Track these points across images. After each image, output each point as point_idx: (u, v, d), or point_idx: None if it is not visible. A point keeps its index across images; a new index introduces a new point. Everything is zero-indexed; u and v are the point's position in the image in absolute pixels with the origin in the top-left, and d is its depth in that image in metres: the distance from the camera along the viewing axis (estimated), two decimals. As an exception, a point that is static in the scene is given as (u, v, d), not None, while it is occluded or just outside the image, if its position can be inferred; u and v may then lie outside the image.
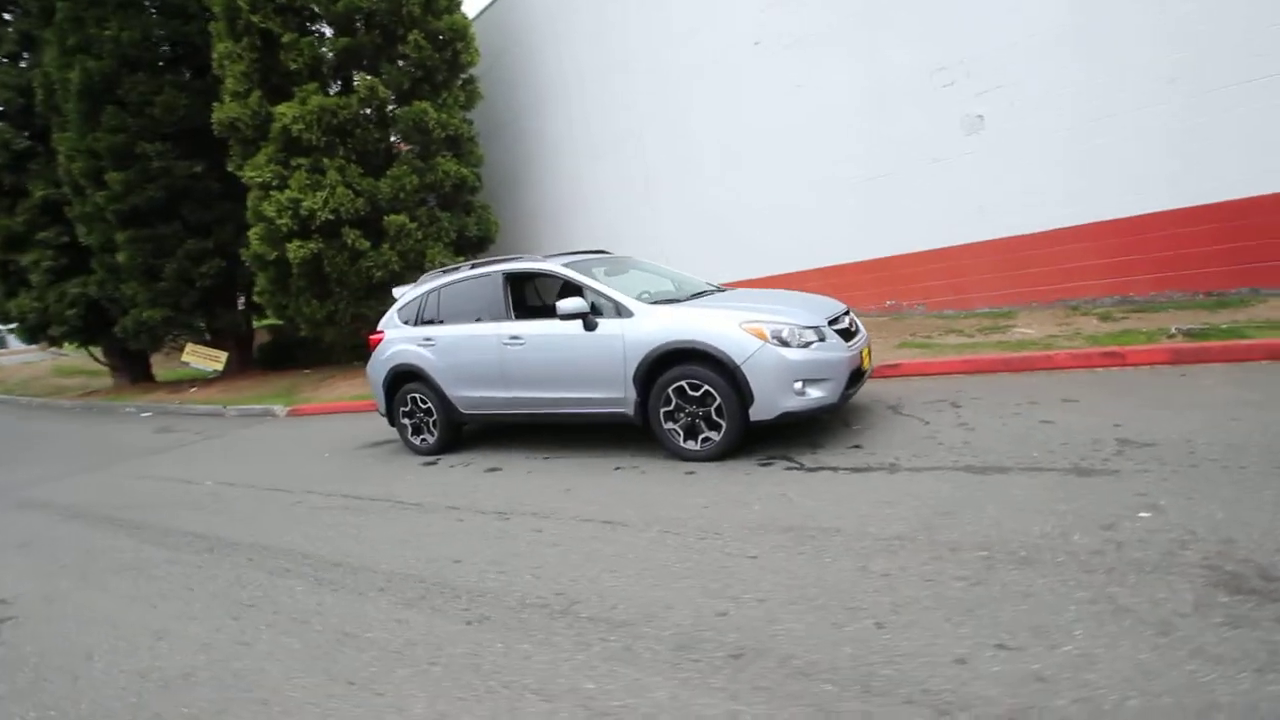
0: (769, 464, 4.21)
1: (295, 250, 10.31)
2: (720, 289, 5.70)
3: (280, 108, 10.25)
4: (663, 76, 10.53)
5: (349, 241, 10.41)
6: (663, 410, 4.55)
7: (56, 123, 13.38)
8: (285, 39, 10.38)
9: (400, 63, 11.02)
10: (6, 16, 15.36)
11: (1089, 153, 7.00)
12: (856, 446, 4.30)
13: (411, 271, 10.45)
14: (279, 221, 10.27)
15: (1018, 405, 4.66)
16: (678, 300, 5.08)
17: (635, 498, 4.04)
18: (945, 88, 7.86)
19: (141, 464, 7.75)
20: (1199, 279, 6.63)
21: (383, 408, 6.31)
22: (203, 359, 13.48)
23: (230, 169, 11.42)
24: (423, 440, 6.01)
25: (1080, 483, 3.20)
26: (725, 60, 9.70)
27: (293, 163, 10.45)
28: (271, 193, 10.41)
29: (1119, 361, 5.28)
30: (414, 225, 10.70)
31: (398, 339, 6.05)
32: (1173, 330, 5.65)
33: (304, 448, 7.42)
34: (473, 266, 5.82)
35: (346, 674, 2.50)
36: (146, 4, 12.85)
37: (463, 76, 11.65)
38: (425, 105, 10.62)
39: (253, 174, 10.60)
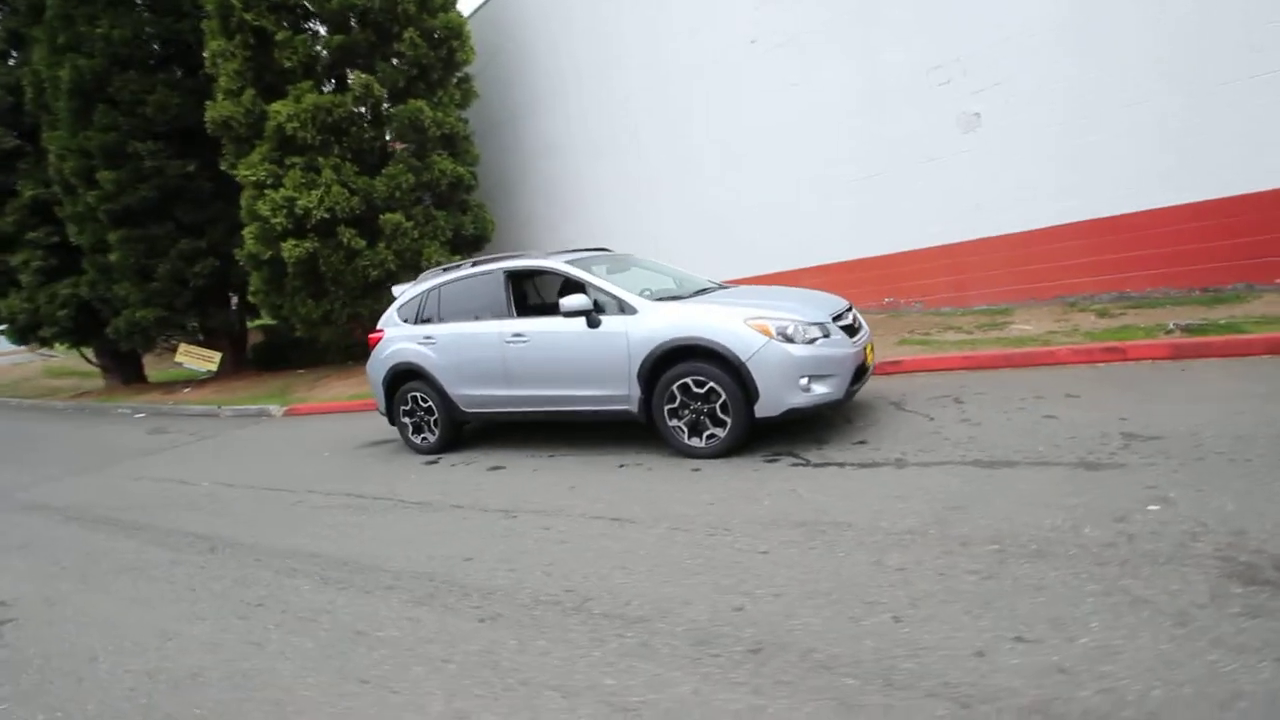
0: (775, 460, 4.21)
1: (290, 249, 10.24)
2: (722, 286, 5.69)
3: (274, 106, 10.18)
4: (659, 75, 10.52)
5: (344, 240, 10.35)
6: (667, 407, 4.54)
7: (46, 121, 13.24)
8: (279, 37, 10.32)
9: (395, 61, 10.97)
10: (-6, 14, 15.20)
11: (1084, 150, 7.04)
12: (862, 442, 4.31)
13: (407, 271, 10.40)
14: (274, 220, 10.19)
15: (1021, 400, 4.68)
16: (681, 297, 5.07)
17: (641, 495, 4.03)
18: (941, 86, 7.88)
19: (137, 465, 7.68)
20: (1195, 275, 6.68)
21: (383, 407, 6.27)
22: (196, 359, 13.37)
23: (223, 168, 11.34)
24: (424, 439, 5.98)
25: (1089, 476, 3.22)
26: (721, 59, 9.70)
27: (287, 161, 10.38)
28: (266, 191, 10.34)
29: (1120, 357, 5.32)
30: (410, 224, 10.65)
31: (398, 337, 6.01)
32: (1171, 326, 5.69)
33: (302, 448, 7.37)
34: (474, 264, 5.80)
35: (360, 673, 2.48)
36: (137, 1, 12.73)
37: (458, 75, 11.61)
38: (421, 103, 10.58)
39: (247, 173, 10.52)
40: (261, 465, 6.86)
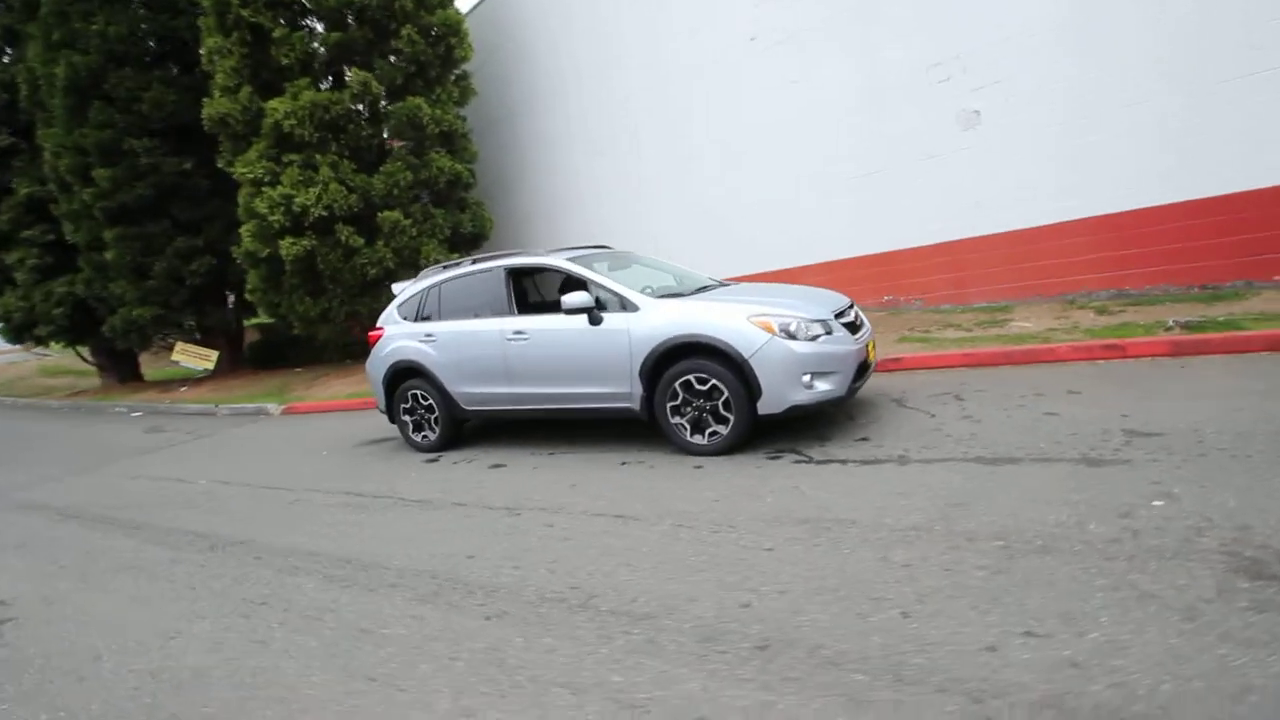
0: (777, 457, 4.21)
1: (288, 247, 10.20)
2: (723, 283, 5.68)
3: (272, 103, 10.14)
4: (659, 73, 10.50)
5: (342, 238, 10.32)
6: (669, 405, 4.54)
7: (41, 118, 13.16)
8: (276, 34, 10.27)
9: (393, 58, 10.93)
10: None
11: (1084, 149, 7.04)
12: (864, 439, 4.31)
13: (406, 269, 10.38)
14: (271, 218, 10.15)
15: (1022, 397, 4.68)
16: (682, 295, 5.05)
17: (644, 492, 4.02)
18: (941, 83, 7.88)
19: (134, 464, 7.64)
20: (1193, 272, 6.69)
21: (382, 405, 6.25)
22: (193, 358, 13.32)
23: (220, 165, 11.28)
24: (424, 437, 5.96)
25: (1091, 472, 3.22)
26: (721, 57, 9.68)
27: (285, 159, 10.34)
28: (263, 189, 10.29)
29: (1120, 354, 5.33)
30: (408, 222, 10.62)
31: (398, 335, 6.00)
32: (1170, 323, 5.70)
33: (300, 446, 7.35)
34: (474, 262, 5.78)
35: (366, 670, 2.47)
36: (133, -2, 12.67)
37: (456, 72, 11.58)
38: (419, 101, 10.54)
39: (244, 170, 10.47)
40: (260, 464, 6.84)
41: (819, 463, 4.00)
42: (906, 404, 4.99)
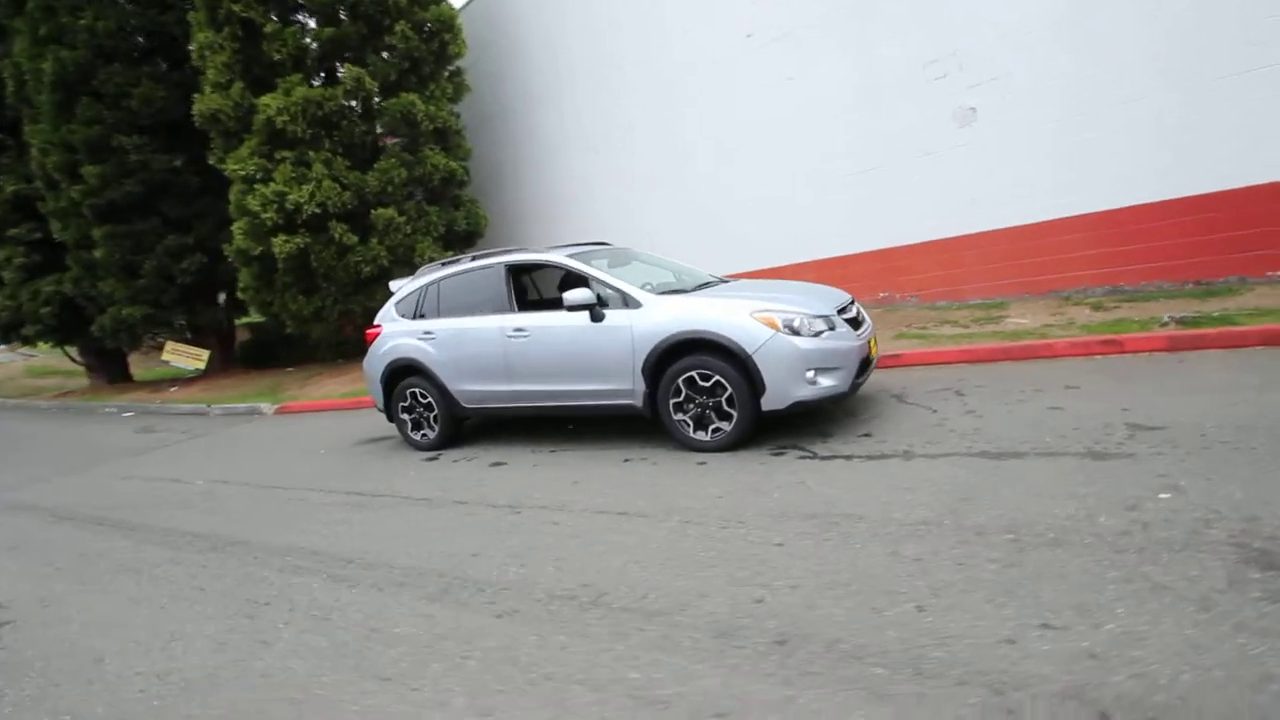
0: (781, 453, 4.21)
1: (281, 245, 10.12)
2: (723, 280, 5.68)
3: (264, 99, 10.05)
4: (654, 70, 10.48)
5: (336, 236, 10.24)
6: (672, 401, 4.53)
7: (28, 115, 12.99)
8: (268, 29, 10.19)
9: (386, 54, 10.87)
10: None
11: (1081, 146, 7.08)
12: (867, 435, 4.32)
13: (400, 266, 10.33)
14: (264, 215, 10.06)
15: (1022, 392, 4.71)
16: (683, 291, 5.05)
17: (648, 489, 4.01)
18: (937, 80, 7.91)
19: (127, 464, 7.56)
20: (1188, 268, 6.75)
21: (380, 403, 6.21)
22: (184, 357, 13.19)
23: (211, 162, 11.18)
24: (423, 435, 5.92)
25: (1097, 466, 3.24)
26: (717, 53, 9.67)
27: (277, 155, 10.25)
28: (256, 186, 10.20)
29: (1117, 349, 5.36)
30: (402, 219, 10.56)
31: (396, 333, 5.95)
32: (1165, 319, 5.74)
33: (296, 445, 7.29)
34: (473, 259, 5.75)
35: (378, 670, 2.44)
36: (120, -7, 12.52)
37: (449, 68, 11.52)
38: (413, 97, 10.48)
39: (235, 167, 10.38)
40: (256, 463, 6.78)
41: (823, 458, 4.00)
42: (907, 400, 5.01)
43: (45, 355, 20.77)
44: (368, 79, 10.34)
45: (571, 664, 2.28)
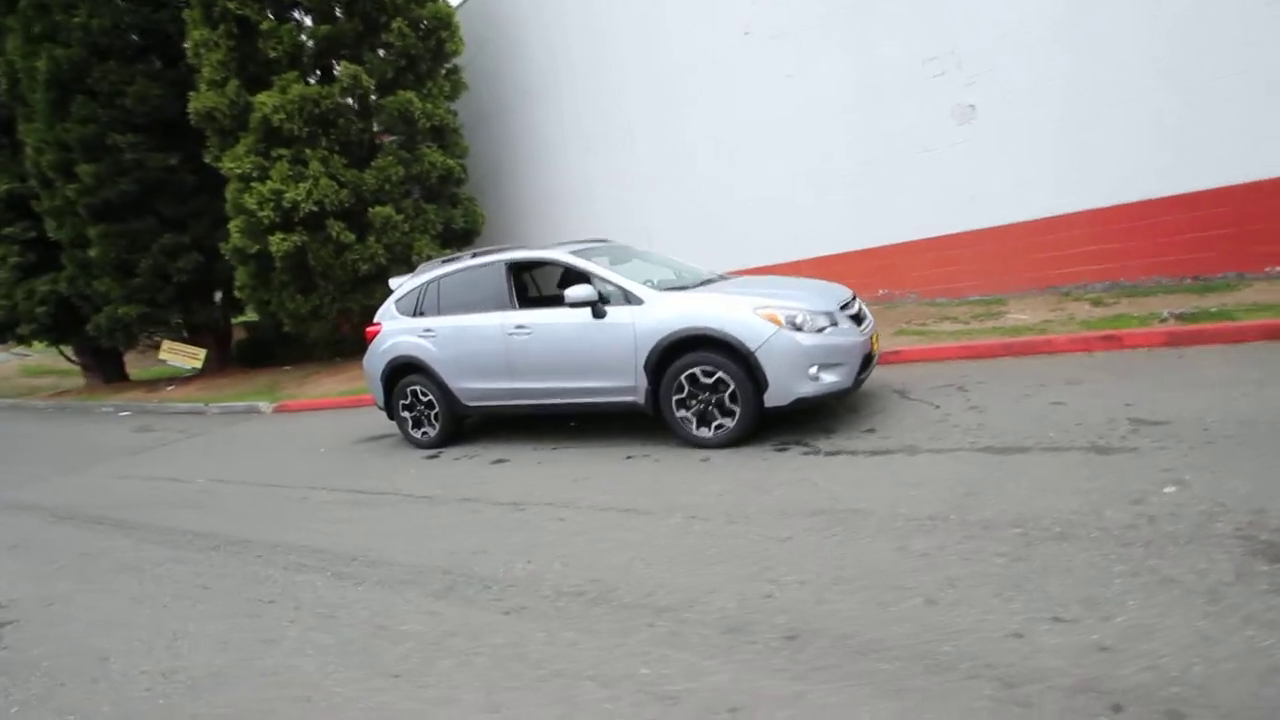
0: (784, 449, 4.21)
1: (278, 243, 10.07)
2: (724, 277, 5.68)
3: (260, 97, 9.99)
4: (654, 69, 10.44)
5: (333, 234, 10.20)
6: (675, 398, 4.52)
7: (22, 113, 12.90)
8: (263, 26, 10.13)
9: (382, 52, 10.82)
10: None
11: (1080, 146, 7.09)
12: (870, 431, 4.32)
13: (398, 265, 10.29)
14: (261, 214, 10.02)
15: (1024, 388, 4.72)
16: (685, 288, 5.04)
17: (651, 486, 4.01)
18: (936, 77, 7.90)
19: (125, 463, 7.53)
20: (1186, 264, 6.77)
21: (381, 401, 6.19)
22: (181, 356, 13.13)
23: (207, 160, 11.12)
24: (424, 433, 5.91)
25: (1102, 460, 3.25)
26: (716, 51, 9.65)
27: (273, 153, 10.20)
28: (252, 184, 10.15)
29: (1117, 345, 5.38)
30: (400, 217, 10.52)
31: (396, 331, 5.94)
32: (1165, 314, 5.76)
33: (296, 444, 7.27)
34: (474, 256, 5.73)
35: (387, 667, 2.44)
36: (115, -11, 12.43)
37: (446, 66, 11.46)
38: (410, 95, 10.43)
39: (232, 165, 10.32)
40: (255, 462, 6.76)
41: (827, 454, 4.01)
42: (909, 396, 5.01)
43: (40, 355, 20.66)
44: (364, 76, 10.29)
45: (581, 660, 2.28)
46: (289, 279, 10.78)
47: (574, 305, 4.75)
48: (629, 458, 4.64)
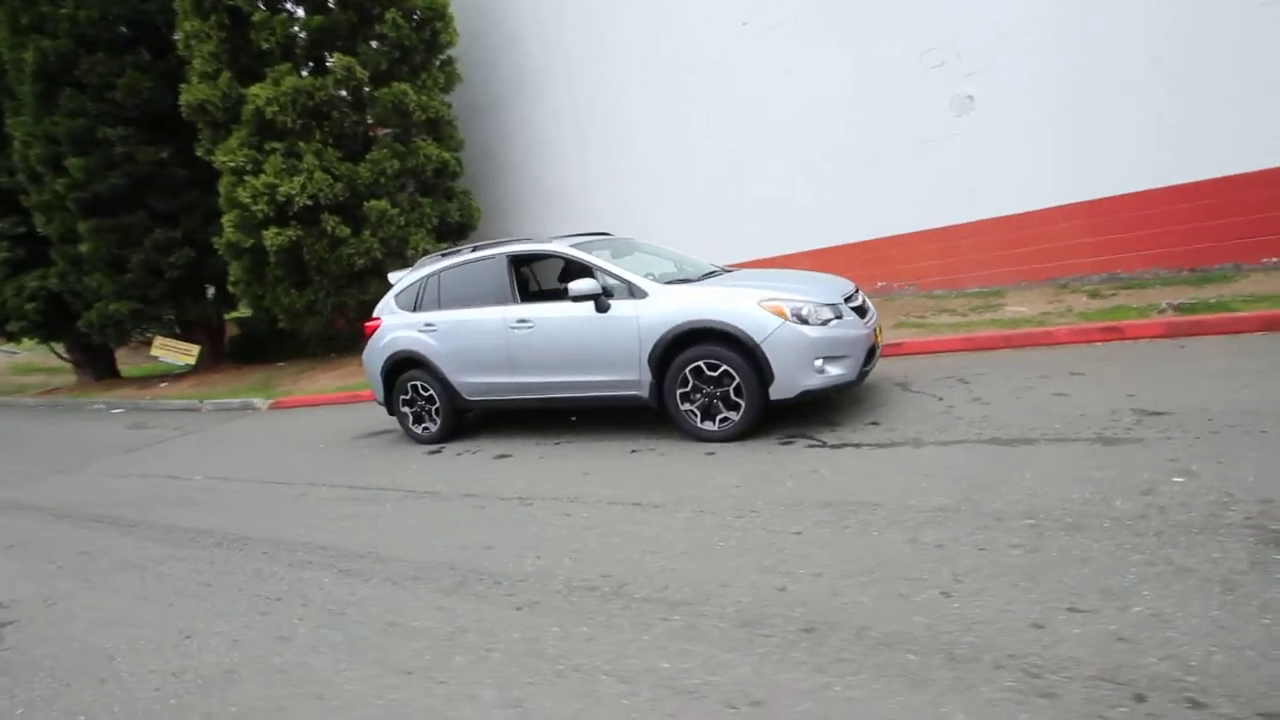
0: (790, 442, 4.21)
1: (272, 238, 9.97)
2: (727, 270, 5.66)
3: (253, 89, 9.87)
4: (652, 67, 10.38)
5: (328, 228, 10.10)
6: (679, 391, 4.51)
7: (10, 106, 12.70)
8: (256, 17, 9.99)
9: (376, 43, 10.68)
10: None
11: (1077, 137, 7.11)
12: (874, 423, 4.32)
13: (394, 259, 10.21)
14: (254, 208, 9.91)
15: (1027, 380, 4.73)
16: (688, 281, 5.02)
17: (658, 479, 4.01)
18: (935, 69, 7.89)
19: (121, 461, 7.46)
20: (1183, 255, 6.81)
21: (381, 396, 6.15)
22: (174, 353, 13.02)
23: (199, 154, 10.99)
24: (425, 429, 5.88)
25: (1109, 451, 3.26)
26: (715, 44, 9.60)
27: (267, 146, 10.09)
28: (246, 178, 10.04)
29: (1117, 336, 5.41)
30: (395, 211, 10.42)
31: (396, 325, 5.89)
32: (1163, 305, 5.79)
33: (293, 441, 7.22)
34: (474, 249, 5.69)
35: (400, 664, 2.42)
36: (103, -20, 12.23)
37: (441, 58, 11.35)
38: (405, 87, 10.32)
39: (225, 159, 10.21)
40: (253, 459, 6.71)
41: (833, 447, 4.01)
42: (912, 388, 5.02)
43: (29, 352, 20.44)
44: (358, 68, 10.18)
45: (598, 655, 2.27)
46: (283, 274, 10.69)
47: (577, 299, 4.72)
48: (634, 452, 4.63)
